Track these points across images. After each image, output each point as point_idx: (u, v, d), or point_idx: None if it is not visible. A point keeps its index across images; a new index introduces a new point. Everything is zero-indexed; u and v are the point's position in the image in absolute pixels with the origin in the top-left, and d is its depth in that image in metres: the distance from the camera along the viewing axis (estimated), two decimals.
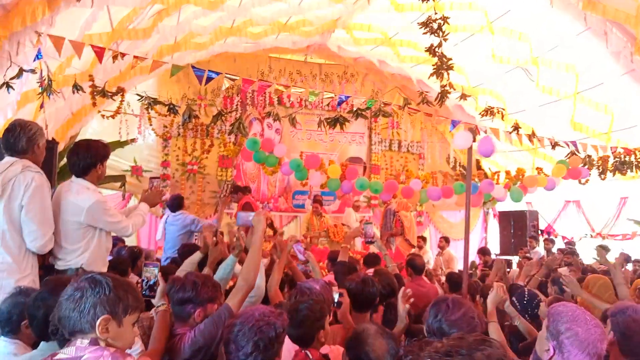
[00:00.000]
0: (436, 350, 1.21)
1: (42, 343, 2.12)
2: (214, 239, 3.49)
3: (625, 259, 7.61)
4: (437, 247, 10.34)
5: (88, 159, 3.23)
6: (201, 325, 2.35)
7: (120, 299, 1.66)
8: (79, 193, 3.17)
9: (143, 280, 2.82)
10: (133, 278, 4.63)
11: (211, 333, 2.27)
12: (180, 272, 3.39)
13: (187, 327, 2.41)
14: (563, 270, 7.07)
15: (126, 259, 4.88)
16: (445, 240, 10.07)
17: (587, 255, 9.39)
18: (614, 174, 7.93)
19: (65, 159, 6.33)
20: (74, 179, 3.25)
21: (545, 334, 2.09)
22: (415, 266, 4.58)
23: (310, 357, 2.25)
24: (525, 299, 3.55)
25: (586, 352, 1.96)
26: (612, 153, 7.84)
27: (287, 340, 2.47)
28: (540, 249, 10.08)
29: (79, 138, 7.13)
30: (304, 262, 4.26)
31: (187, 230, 7.02)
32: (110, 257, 4.60)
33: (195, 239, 6.83)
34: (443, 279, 6.59)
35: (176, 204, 7.14)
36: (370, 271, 4.78)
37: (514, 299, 3.60)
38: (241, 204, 8.00)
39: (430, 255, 9.98)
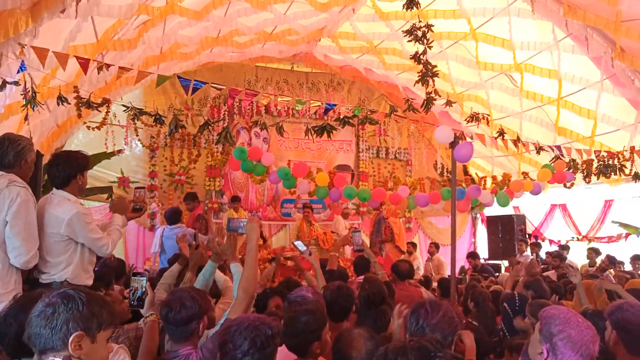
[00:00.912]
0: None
1: None
2: (194, 242, 3.49)
3: (611, 261, 7.71)
4: (427, 253, 10.37)
5: (67, 169, 3.18)
6: (208, 343, 2.30)
7: (94, 315, 1.61)
8: (59, 205, 3.13)
9: (131, 291, 2.79)
10: (120, 290, 4.58)
11: None
12: (161, 286, 3.38)
13: (190, 345, 2.35)
14: (551, 274, 7.15)
15: (109, 271, 4.82)
16: (435, 246, 10.12)
17: (574, 258, 9.50)
18: (598, 177, 8.03)
19: None
20: (55, 190, 3.20)
21: (539, 337, 2.10)
22: (398, 271, 4.63)
23: None
24: (517, 303, 3.56)
25: (579, 354, 1.98)
26: (596, 157, 7.94)
27: (284, 348, 2.47)
28: (529, 253, 10.16)
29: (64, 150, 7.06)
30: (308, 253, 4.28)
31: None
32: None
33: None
34: (435, 284, 6.63)
35: (174, 217, 7.00)
36: (360, 278, 4.80)
37: (505, 304, 3.61)
38: (194, 214, 7.59)
39: (420, 262, 10.01)
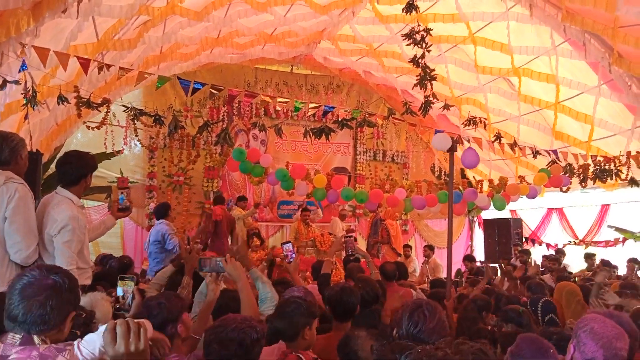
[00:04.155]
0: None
1: None
2: (187, 247, 3.48)
3: (604, 265, 7.75)
4: (423, 256, 10.39)
5: (81, 169, 3.20)
6: (198, 352, 2.28)
7: None
8: (58, 205, 3.11)
9: (122, 295, 2.74)
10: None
11: None
12: (153, 286, 3.35)
13: (174, 352, 2.27)
14: (546, 278, 7.18)
15: (114, 272, 4.84)
16: (430, 248, 10.14)
17: (571, 262, 9.53)
18: (594, 182, 8.07)
19: (49, 170, 6.31)
20: (59, 189, 3.19)
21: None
22: (385, 273, 4.66)
23: (303, 358, 2.24)
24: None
25: (600, 345, 2.00)
26: (593, 161, 7.98)
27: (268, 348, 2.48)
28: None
29: (63, 149, 7.07)
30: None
31: (158, 244, 6.63)
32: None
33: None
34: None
35: (159, 211, 6.88)
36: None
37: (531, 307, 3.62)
38: None
39: (416, 264, 10.04)
